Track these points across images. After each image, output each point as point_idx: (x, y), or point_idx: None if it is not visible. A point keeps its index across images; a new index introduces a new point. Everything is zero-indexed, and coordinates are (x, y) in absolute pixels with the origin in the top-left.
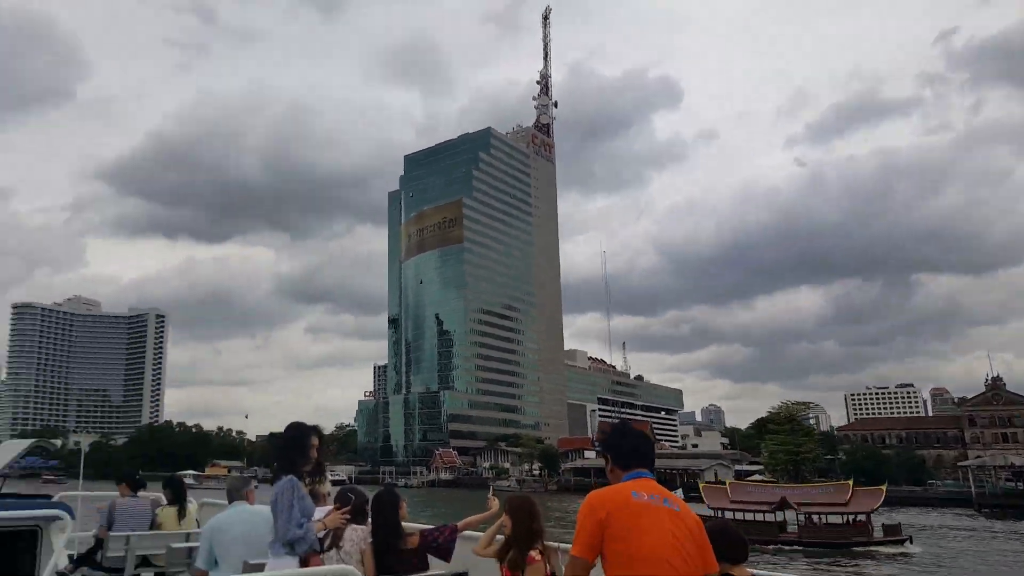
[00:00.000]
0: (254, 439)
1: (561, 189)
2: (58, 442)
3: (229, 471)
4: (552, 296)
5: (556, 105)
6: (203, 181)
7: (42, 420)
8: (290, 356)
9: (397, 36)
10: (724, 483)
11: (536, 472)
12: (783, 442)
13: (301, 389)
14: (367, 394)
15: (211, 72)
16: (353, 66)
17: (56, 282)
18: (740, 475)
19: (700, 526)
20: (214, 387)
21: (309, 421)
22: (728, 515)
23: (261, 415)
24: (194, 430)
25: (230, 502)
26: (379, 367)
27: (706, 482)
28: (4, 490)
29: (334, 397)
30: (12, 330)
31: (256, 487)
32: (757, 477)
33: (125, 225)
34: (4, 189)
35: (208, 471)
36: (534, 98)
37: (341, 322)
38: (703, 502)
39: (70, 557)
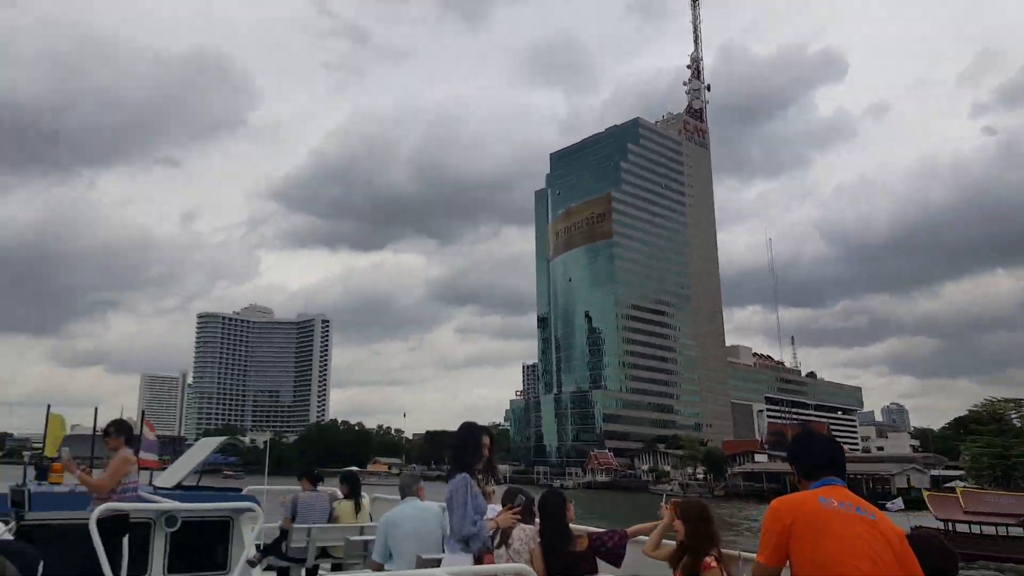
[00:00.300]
0: (411, 437)
1: (716, 176)
2: (246, 440)
3: (389, 468)
4: (710, 289)
5: (709, 88)
6: (359, 193)
7: (223, 420)
8: (441, 357)
9: (539, 38)
10: (954, 491)
11: (700, 476)
12: (988, 444)
13: (452, 388)
14: (518, 393)
15: (365, 91)
16: (497, 72)
17: (234, 293)
18: (936, 481)
19: (901, 537)
20: (372, 387)
21: (460, 420)
22: (962, 528)
23: (417, 413)
24: (356, 428)
25: (402, 498)
26: (528, 366)
27: (928, 490)
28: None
29: (483, 396)
30: (198, 338)
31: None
32: (959, 484)
33: (292, 238)
34: (190, 211)
35: (370, 468)
36: (685, 83)
37: (489, 323)
38: (915, 511)
39: (257, 547)
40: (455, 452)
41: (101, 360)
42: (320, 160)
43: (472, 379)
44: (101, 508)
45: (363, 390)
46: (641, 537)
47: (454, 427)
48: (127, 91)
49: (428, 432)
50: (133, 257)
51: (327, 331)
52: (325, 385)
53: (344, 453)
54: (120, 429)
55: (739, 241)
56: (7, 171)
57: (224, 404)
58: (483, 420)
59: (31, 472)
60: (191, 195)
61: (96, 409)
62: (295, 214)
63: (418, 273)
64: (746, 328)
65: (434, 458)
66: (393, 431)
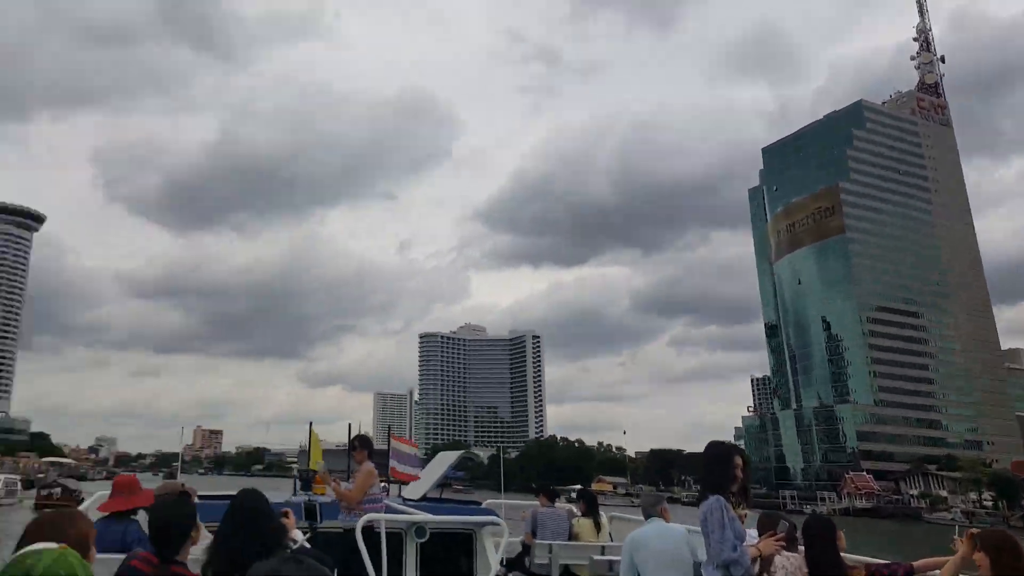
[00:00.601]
0: (634, 455)
1: (963, 155)
2: (480, 454)
3: (615, 487)
4: (972, 284)
5: (943, 60)
6: (559, 209)
7: (448, 435)
8: (657, 371)
9: (736, 32)
10: None
11: (988, 502)
12: None
13: (672, 404)
14: (749, 409)
15: (560, 108)
16: (694, 73)
17: (449, 313)
18: None
19: None
20: (587, 403)
21: (684, 438)
22: None
23: (636, 431)
24: (576, 445)
25: (646, 518)
26: (757, 379)
27: None
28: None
29: (708, 413)
30: (420, 357)
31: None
32: None
33: (498, 257)
34: (406, 240)
35: (595, 486)
36: (913, 57)
37: (707, 334)
38: None
39: (500, 561)
40: (705, 473)
41: (339, 380)
42: (519, 180)
43: (693, 394)
44: (365, 518)
45: (578, 406)
46: (932, 573)
47: (678, 445)
48: (348, 135)
49: (652, 451)
50: (360, 285)
51: (538, 347)
52: (541, 401)
53: (565, 470)
54: (363, 443)
55: (998, 227)
56: (255, 217)
57: (448, 419)
58: (711, 438)
59: (297, 484)
60: (406, 224)
61: (349, 425)
62: (499, 234)
63: (623, 285)
64: (1020, 328)
65: (661, 478)
66: (615, 449)
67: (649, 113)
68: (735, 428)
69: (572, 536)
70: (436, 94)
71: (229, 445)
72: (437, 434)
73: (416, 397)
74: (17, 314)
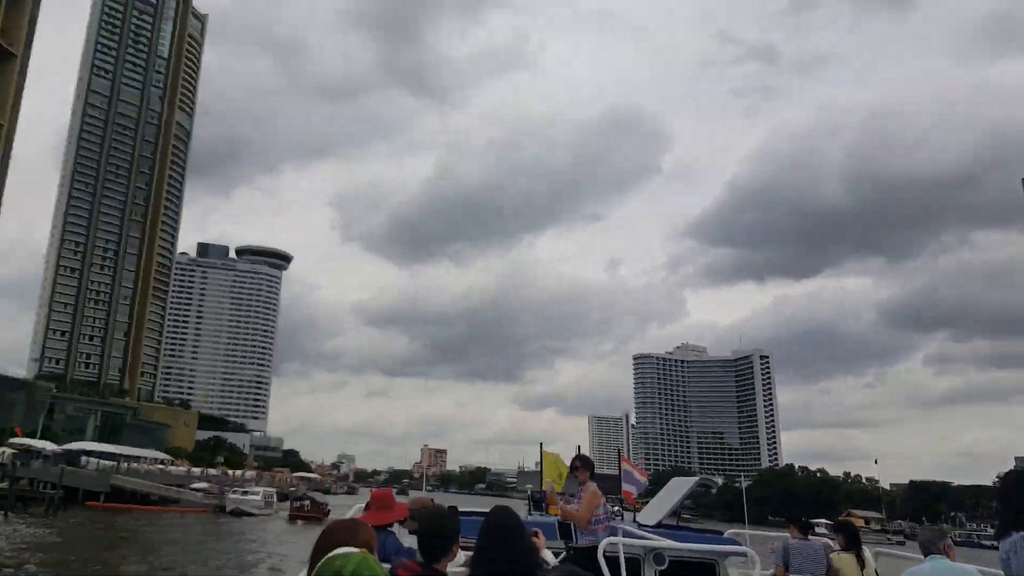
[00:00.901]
0: (888, 487)
1: None
2: (718, 480)
3: (867, 523)
4: None
5: None
6: (783, 217)
7: (670, 461)
8: (911, 393)
9: (991, 1)
10: None
11: None
12: None
13: (931, 431)
14: None
15: (779, 108)
16: (941, 53)
17: (664, 333)
18: None
19: None
20: (827, 429)
21: (948, 468)
22: None
23: (887, 461)
24: (818, 475)
25: (925, 555)
26: None
27: None
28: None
29: (978, 440)
30: (635, 379)
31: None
32: None
33: (715, 273)
34: (614, 260)
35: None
36: None
37: (972, 349)
38: None
39: None
40: (1005, 506)
41: (554, 403)
42: (736, 189)
43: (958, 419)
44: (606, 540)
45: (815, 432)
46: None
47: (941, 477)
48: (554, 160)
49: (912, 482)
50: (571, 307)
51: (767, 367)
52: (773, 426)
53: (805, 502)
54: (585, 464)
55: None
56: (469, 246)
57: (669, 444)
58: (984, 470)
59: (530, 504)
60: (614, 244)
61: (579, 447)
62: (715, 248)
63: (864, 297)
64: None
65: (924, 513)
66: (864, 479)
67: (886, 104)
68: (1015, 459)
69: (831, 572)
70: (643, 109)
71: (452, 464)
72: (657, 459)
73: (632, 421)
74: (271, 344)
